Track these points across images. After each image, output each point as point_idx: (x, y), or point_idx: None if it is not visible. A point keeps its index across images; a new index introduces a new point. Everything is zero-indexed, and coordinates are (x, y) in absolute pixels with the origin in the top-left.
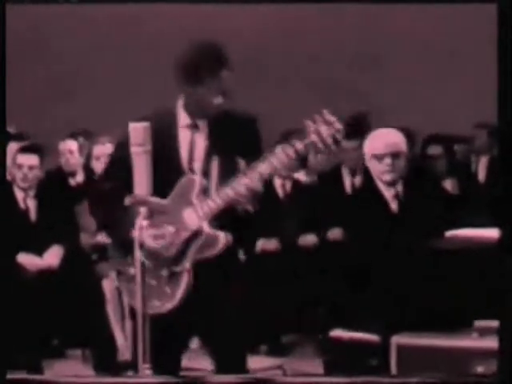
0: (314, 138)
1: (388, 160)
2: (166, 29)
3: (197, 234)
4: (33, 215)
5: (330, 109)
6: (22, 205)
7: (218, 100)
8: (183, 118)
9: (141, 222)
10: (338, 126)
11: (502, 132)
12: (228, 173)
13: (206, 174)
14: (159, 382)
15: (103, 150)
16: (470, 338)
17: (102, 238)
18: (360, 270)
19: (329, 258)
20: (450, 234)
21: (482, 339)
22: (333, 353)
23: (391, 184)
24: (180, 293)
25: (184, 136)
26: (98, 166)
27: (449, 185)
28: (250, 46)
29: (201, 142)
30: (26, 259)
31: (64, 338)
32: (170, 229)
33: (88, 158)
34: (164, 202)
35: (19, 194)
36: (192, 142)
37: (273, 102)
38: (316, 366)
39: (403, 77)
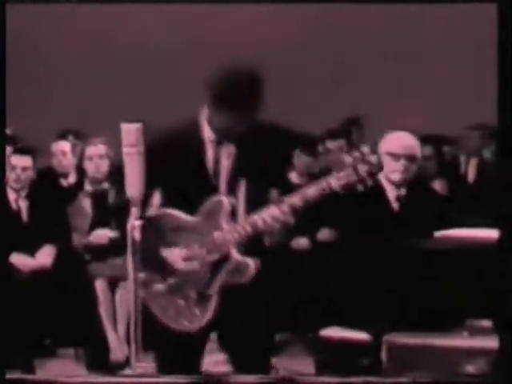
0: (350, 174)
1: (403, 161)
2: (166, 29)
3: (226, 258)
4: (25, 216)
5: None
6: (14, 205)
7: (240, 127)
8: (207, 132)
9: (133, 222)
10: (375, 161)
11: (501, 132)
12: (256, 195)
13: (231, 192)
14: (176, 382)
15: (95, 150)
16: (460, 338)
17: (94, 238)
18: (353, 270)
19: (321, 258)
20: (440, 234)
21: (472, 338)
22: (324, 352)
23: (398, 185)
24: (209, 315)
25: (208, 151)
26: (91, 167)
27: (438, 185)
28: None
29: (226, 160)
30: (19, 259)
31: (57, 338)
32: (201, 251)
33: (80, 158)
34: (193, 219)
35: (11, 195)
36: (216, 158)
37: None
38: (307, 365)
39: (403, 77)
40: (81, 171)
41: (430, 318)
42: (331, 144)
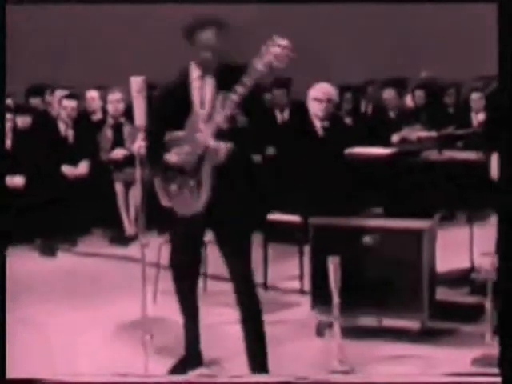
0: (268, 57)
1: (324, 103)
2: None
3: (207, 148)
4: (70, 140)
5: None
6: (63, 133)
7: (207, 55)
8: (194, 72)
9: (139, 142)
10: (286, 44)
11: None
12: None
13: (213, 107)
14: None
15: (114, 96)
16: (361, 220)
17: (114, 155)
18: (289, 175)
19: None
20: (349, 151)
21: (370, 220)
22: (270, 229)
23: (322, 119)
24: (204, 194)
25: (195, 85)
26: (111, 108)
27: (348, 120)
28: None
29: (209, 89)
30: (67, 169)
31: (91, 220)
32: (187, 148)
33: (104, 102)
34: (182, 134)
35: (62, 127)
36: (202, 89)
37: None
38: (258, 237)
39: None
40: (105, 110)
41: (341, 207)
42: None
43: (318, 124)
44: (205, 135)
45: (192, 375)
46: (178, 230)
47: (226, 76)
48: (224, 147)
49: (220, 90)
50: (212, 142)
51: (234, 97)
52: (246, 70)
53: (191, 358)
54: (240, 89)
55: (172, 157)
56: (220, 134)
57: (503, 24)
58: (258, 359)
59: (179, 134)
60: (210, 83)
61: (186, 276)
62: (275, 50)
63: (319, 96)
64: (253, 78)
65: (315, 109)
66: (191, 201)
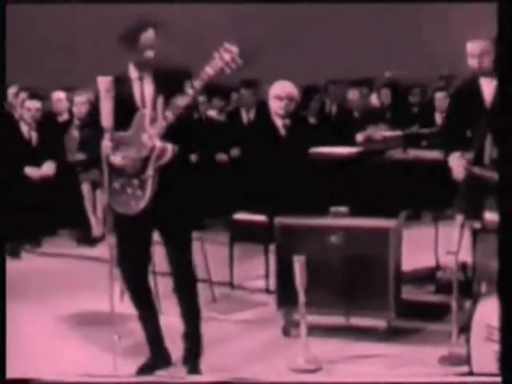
0: (220, 63)
1: (285, 101)
2: None
3: (153, 149)
4: (34, 142)
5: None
6: (27, 135)
7: (149, 54)
8: (133, 73)
9: (106, 142)
10: (236, 50)
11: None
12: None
13: (154, 108)
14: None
15: (81, 98)
16: (327, 218)
17: (80, 156)
18: (255, 174)
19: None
20: (314, 150)
21: (335, 219)
22: (236, 229)
23: (283, 117)
24: (148, 193)
25: (135, 85)
26: (77, 109)
27: (312, 120)
28: None
29: (149, 89)
30: (31, 171)
31: (57, 222)
32: (133, 150)
33: (71, 103)
34: (127, 134)
35: (25, 128)
36: (142, 88)
37: None
38: (225, 237)
39: None
40: (71, 112)
41: (306, 207)
42: (243, 91)
43: (279, 123)
44: (151, 136)
45: (160, 375)
46: (123, 229)
47: (164, 78)
48: (170, 148)
49: (159, 92)
50: (158, 143)
51: (185, 98)
52: (185, 73)
53: (158, 357)
54: (190, 91)
55: (117, 159)
56: (164, 135)
57: (503, 24)
58: (191, 358)
59: (124, 134)
60: (149, 84)
61: (134, 275)
62: (226, 56)
63: (279, 93)
64: (203, 82)
65: (276, 107)
66: (134, 200)
